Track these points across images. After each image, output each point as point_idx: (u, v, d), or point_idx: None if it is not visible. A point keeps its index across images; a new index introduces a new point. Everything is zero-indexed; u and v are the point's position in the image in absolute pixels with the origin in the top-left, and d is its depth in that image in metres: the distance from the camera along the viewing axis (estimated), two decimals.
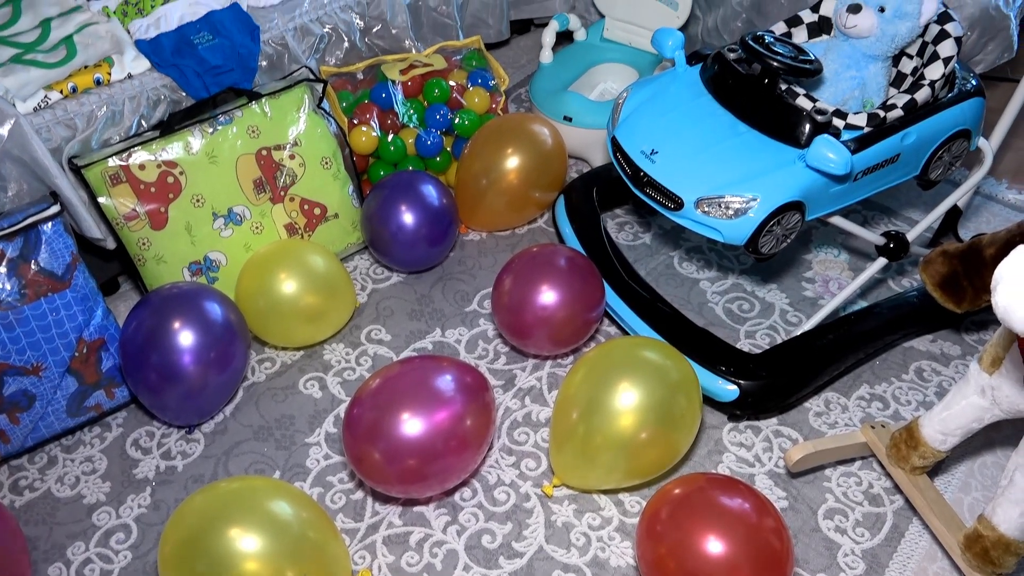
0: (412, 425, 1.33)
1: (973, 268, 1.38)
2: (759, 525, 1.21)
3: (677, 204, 1.45)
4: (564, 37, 2.26)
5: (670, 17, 2.11)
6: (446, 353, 1.71)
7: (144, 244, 1.64)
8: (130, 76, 1.67)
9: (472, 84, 1.99)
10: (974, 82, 1.55)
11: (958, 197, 1.66)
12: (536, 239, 1.96)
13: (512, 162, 1.86)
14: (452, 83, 1.97)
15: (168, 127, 1.63)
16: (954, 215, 1.84)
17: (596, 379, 1.40)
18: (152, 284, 1.68)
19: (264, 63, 1.84)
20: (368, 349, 1.72)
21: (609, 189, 1.94)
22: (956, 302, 1.42)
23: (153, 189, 1.62)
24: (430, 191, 1.79)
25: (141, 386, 1.51)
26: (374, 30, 2.03)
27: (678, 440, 1.41)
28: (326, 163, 1.77)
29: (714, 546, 1.18)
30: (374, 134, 1.90)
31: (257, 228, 1.73)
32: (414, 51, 2.07)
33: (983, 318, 1.74)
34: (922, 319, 1.70)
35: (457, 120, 1.95)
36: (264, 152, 1.71)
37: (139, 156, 1.60)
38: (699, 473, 1.33)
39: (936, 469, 1.43)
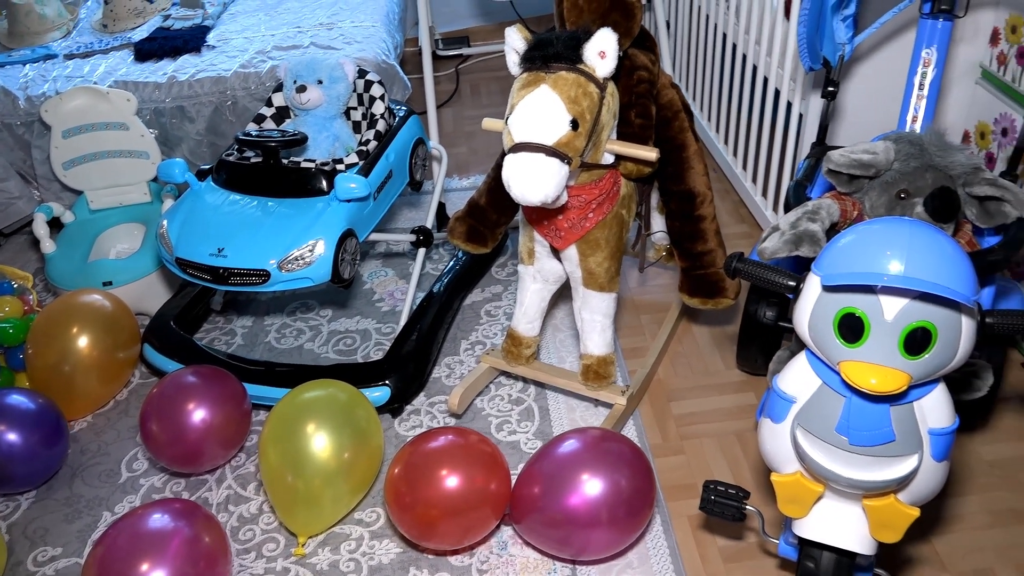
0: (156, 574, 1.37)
1: (480, 216, 1.89)
2: (467, 443, 1.53)
3: (264, 276, 1.70)
4: (53, 226, 2.29)
5: (144, 166, 2.30)
6: None
7: None
8: None
9: None
10: (405, 108, 2.09)
11: (439, 190, 2.21)
12: (143, 394, 2.00)
13: (82, 340, 1.88)
14: None
15: None
16: (442, 209, 2.39)
17: (286, 440, 1.57)
18: None
19: None
20: (46, 571, 1.61)
21: (184, 316, 2.07)
22: (484, 245, 1.92)
23: None
24: (17, 399, 1.74)
25: None
26: None
27: (375, 444, 1.65)
28: None
29: (451, 480, 1.47)
30: None
31: None
32: None
33: (503, 261, 2.31)
34: (466, 279, 2.20)
35: None
36: None
37: None
38: (403, 446, 1.59)
39: (541, 353, 1.90)
